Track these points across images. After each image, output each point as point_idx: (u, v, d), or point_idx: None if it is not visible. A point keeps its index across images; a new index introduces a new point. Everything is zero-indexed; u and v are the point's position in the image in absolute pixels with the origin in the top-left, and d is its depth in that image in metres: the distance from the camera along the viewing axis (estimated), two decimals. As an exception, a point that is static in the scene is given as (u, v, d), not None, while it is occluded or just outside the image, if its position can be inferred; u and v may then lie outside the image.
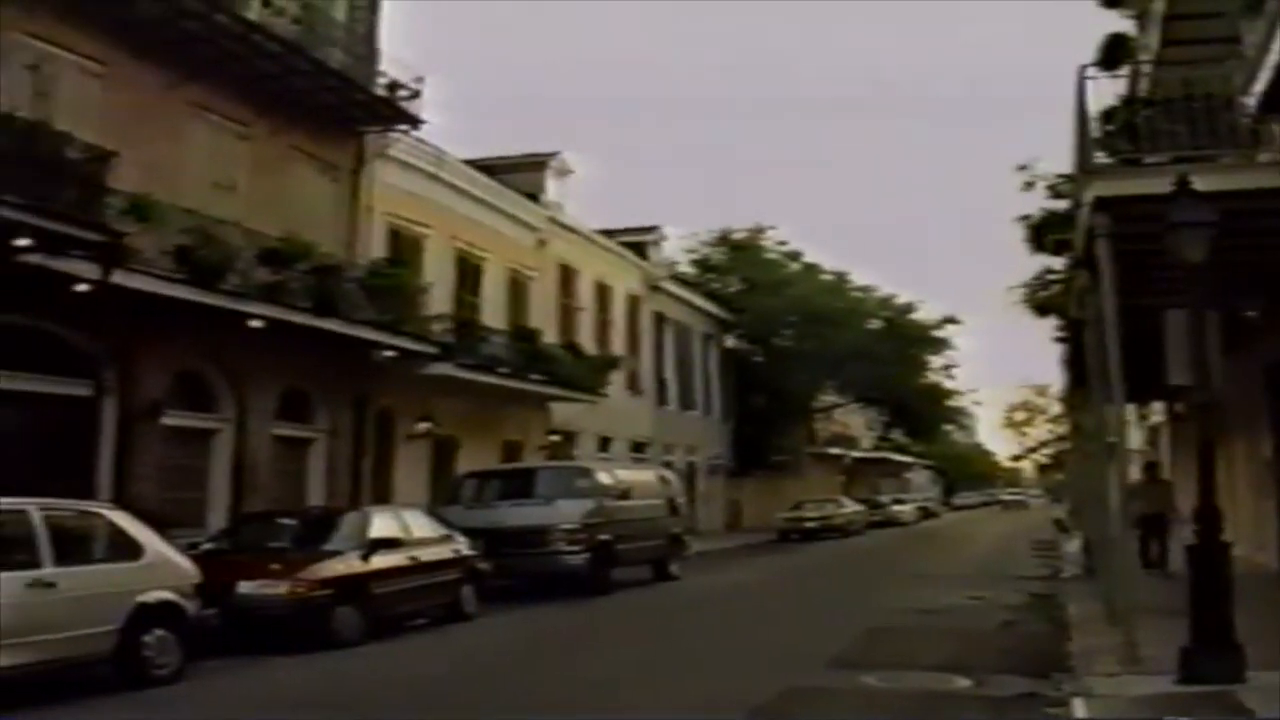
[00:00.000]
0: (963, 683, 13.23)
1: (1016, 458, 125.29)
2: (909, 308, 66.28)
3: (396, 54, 27.35)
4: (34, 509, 12.85)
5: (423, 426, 29.85)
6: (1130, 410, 35.00)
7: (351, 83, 25.93)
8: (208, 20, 21.74)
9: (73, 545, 13.17)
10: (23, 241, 16.60)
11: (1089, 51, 16.65)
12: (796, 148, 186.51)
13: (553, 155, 40.81)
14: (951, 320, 66.92)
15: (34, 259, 17.08)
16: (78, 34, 19.96)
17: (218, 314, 21.22)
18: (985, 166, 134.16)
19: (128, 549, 13.91)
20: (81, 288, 18.13)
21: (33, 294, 17.98)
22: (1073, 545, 32.88)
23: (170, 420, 21.81)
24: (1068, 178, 24.29)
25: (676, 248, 57.10)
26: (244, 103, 23.89)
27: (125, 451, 20.55)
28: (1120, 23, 20.46)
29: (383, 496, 27.28)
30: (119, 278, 18.37)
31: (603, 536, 24.69)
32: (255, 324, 21.93)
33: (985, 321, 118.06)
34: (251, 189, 23.96)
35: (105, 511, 14.71)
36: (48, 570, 12.45)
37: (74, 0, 19.60)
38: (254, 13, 23.29)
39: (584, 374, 37.16)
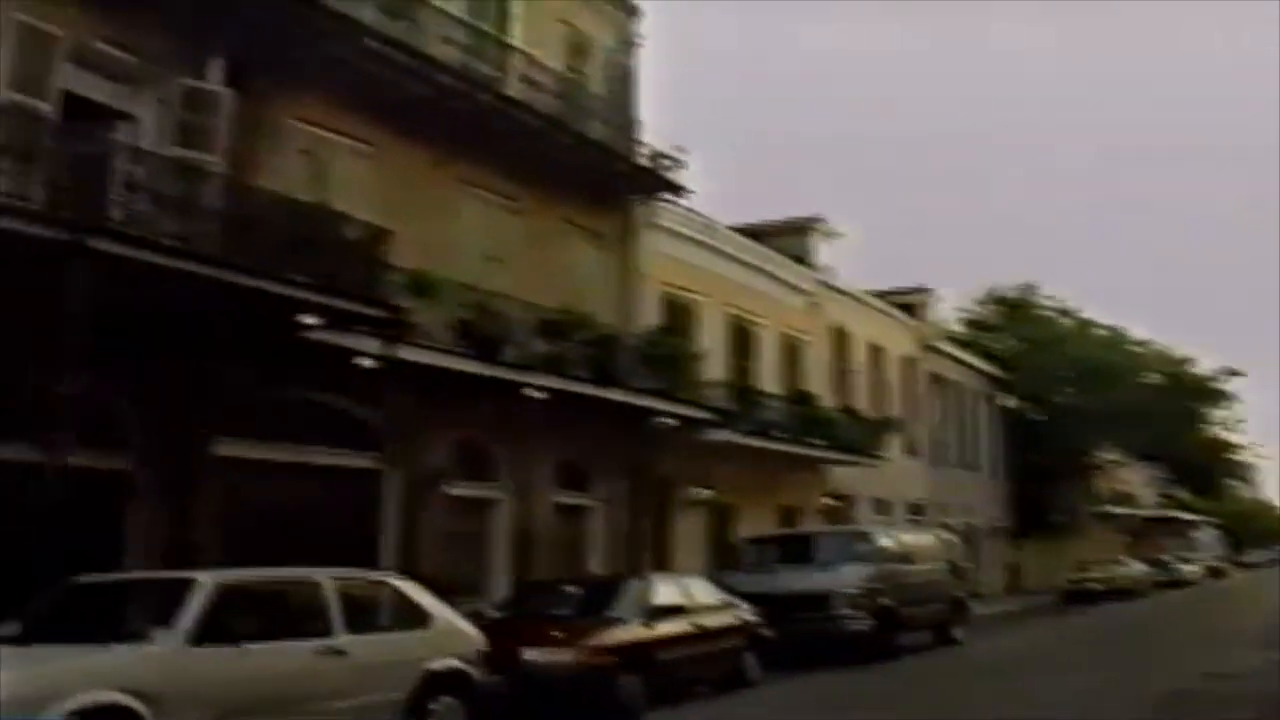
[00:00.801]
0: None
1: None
2: (1189, 361, 63.70)
3: (657, 123, 27.66)
4: (325, 578, 12.95)
5: (701, 493, 29.59)
6: None
7: (614, 154, 26.18)
8: (470, 99, 22.14)
9: (362, 613, 13.16)
10: (310, 319, 16.82)
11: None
12: (1069, 195, 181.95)
13: (818, 219, 40.43)
14: (1233, 372, 64.20)
15: (321, 335, 17.31)
16: (346, 118, 20.50)
17: (497, 385, 21.37)
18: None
19: (415, 617, 13.87)
20: (366, 363, 18.41)
21: (320, 369, 18.26)
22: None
23: (452, 490, 21.99)
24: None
25: (948, 307, 56.10)
26: (512, 177, 24.12)
27: (409, 521, 20.73)
28: None
29: (662, 563, 27.09)
30: (401, 352, 18.61)
31: (885, 601, 24.00)
32: (534, 394, 22.00)
33: (1274, 372, 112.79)
34: (525, 261, 24.13)
35: (393, 580, 14.72)
36: (339, 638, 12.46)
37: (341, 86, 20.07)
38: (514, 89, 23.65)
39: (860, 437, 36.54)
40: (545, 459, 24.53)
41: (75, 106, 16.10)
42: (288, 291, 16.08)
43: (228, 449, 17.85)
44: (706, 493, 29.73)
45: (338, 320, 17.28)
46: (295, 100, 19.48)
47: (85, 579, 12.47)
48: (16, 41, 15.37)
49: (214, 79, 17.98)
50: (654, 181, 27.39)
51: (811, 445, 33.41)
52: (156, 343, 16.30)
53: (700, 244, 31.09)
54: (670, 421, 26.42)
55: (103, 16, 16.70)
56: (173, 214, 15.47)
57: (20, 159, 13.85)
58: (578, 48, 27.24)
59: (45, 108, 15.23)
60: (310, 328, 17.00)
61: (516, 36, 25.19)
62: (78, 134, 15.15)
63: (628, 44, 29.13)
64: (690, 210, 29.90)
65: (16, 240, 13.08)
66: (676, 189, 27.83)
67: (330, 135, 20.31)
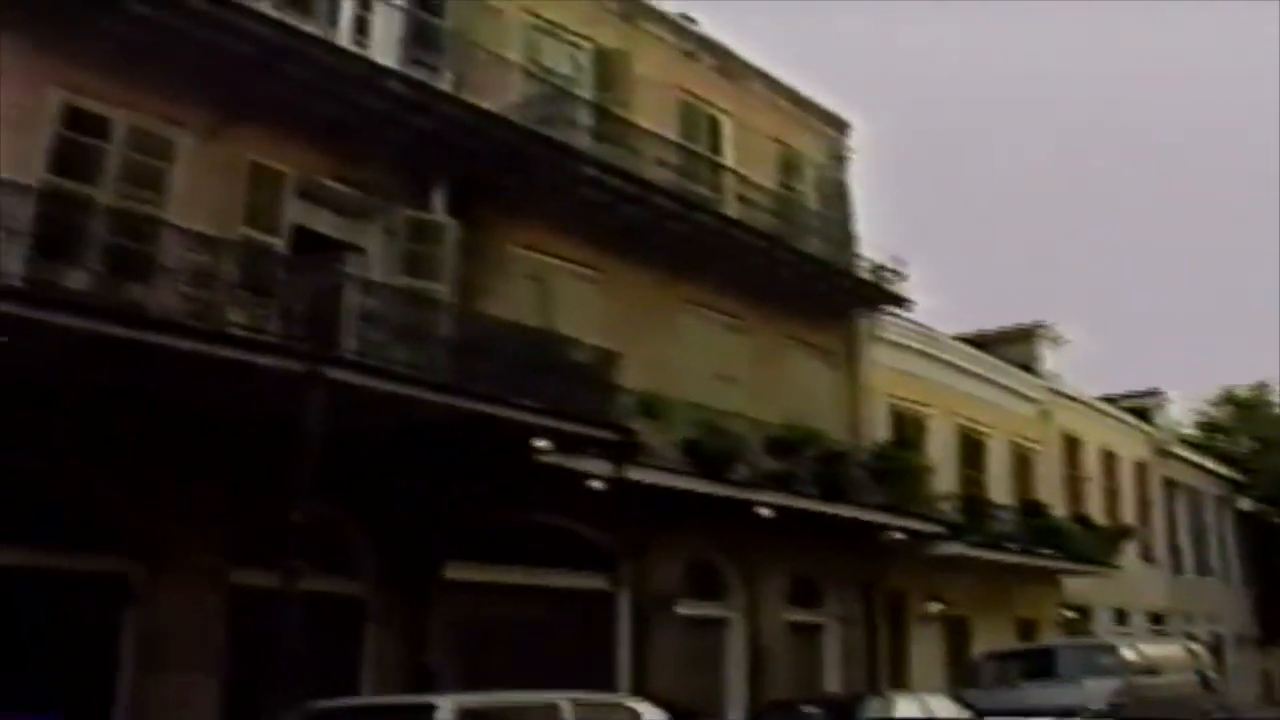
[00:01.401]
0: None
1: None
2: None
3: (874, 235, 27.30)
4: (564, 700, 12.61)
5: (934, 607, 28.57)
6: None
7: (834, 269, 25.77)
8: (688, 220, 22.06)
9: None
10: (542, 443, 16.73)
11: None
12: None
13: (1043, 324, 39.26)
14: None
15: (552, 459, 17.15)
16: (569, 242, 20.57)
17: (727, 504, 20.94)
18: None
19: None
20: (596, 484, 18.19)
21: (551, 492, 18.11)
22: None
23: (684, 610, 21.53)
24: None
25: (1179, 409, 53.85)
26: (735, 295, 23.88)
27: (642, 642, 20.38)
28: None
29: (898, 679, 26.18)
30: (631, 473, 18.35)
31: (1133, 716, 22.61)
32: (765, 513, 21.48)
33: None
34: (751, 378, 23.74)
35: (630, 702, 14.40)
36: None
37: (561, 211, 20.16)
38: (731, 209, 23.52)
39: (1095, 546, 34.89)
40: (776, 576, 23.91)
41: (305, 240, 16.47)
42: (519, 417, 16.05)
43: (460, 572, 17.80)
44: (940, 607, 28.69)
45: (568, 443, 17.14)
46: (517, 227, 19.63)
47: (325, 704, 12.35)
48: (247, 180, 15.90)
49: (437, 209, 18.30)
50: (876, 295, 26.86)
51: (1045, 556, 32.02)
52: (389, 469, 16.36)
53: (925, 355, 30.34)
54: (900, 536, 25.55)
55: (327, 153, 17.12)
56: (404, 342, 15.61)
57: (256, 292, 14.06)
58: (790, 164, 26.96)
59: (277, 242, 15.63)
60: (541, 451, 16.88)
61: (729, 156, 25.16)
62: (309, 267, 15.41)
63: (839, 158, 28.81)
64: (913, 322, 29.23)
65: (255, 372, 13.28)
66: (898, 301, 27.22)
67: (554, 260, 20.37)
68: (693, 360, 22.46)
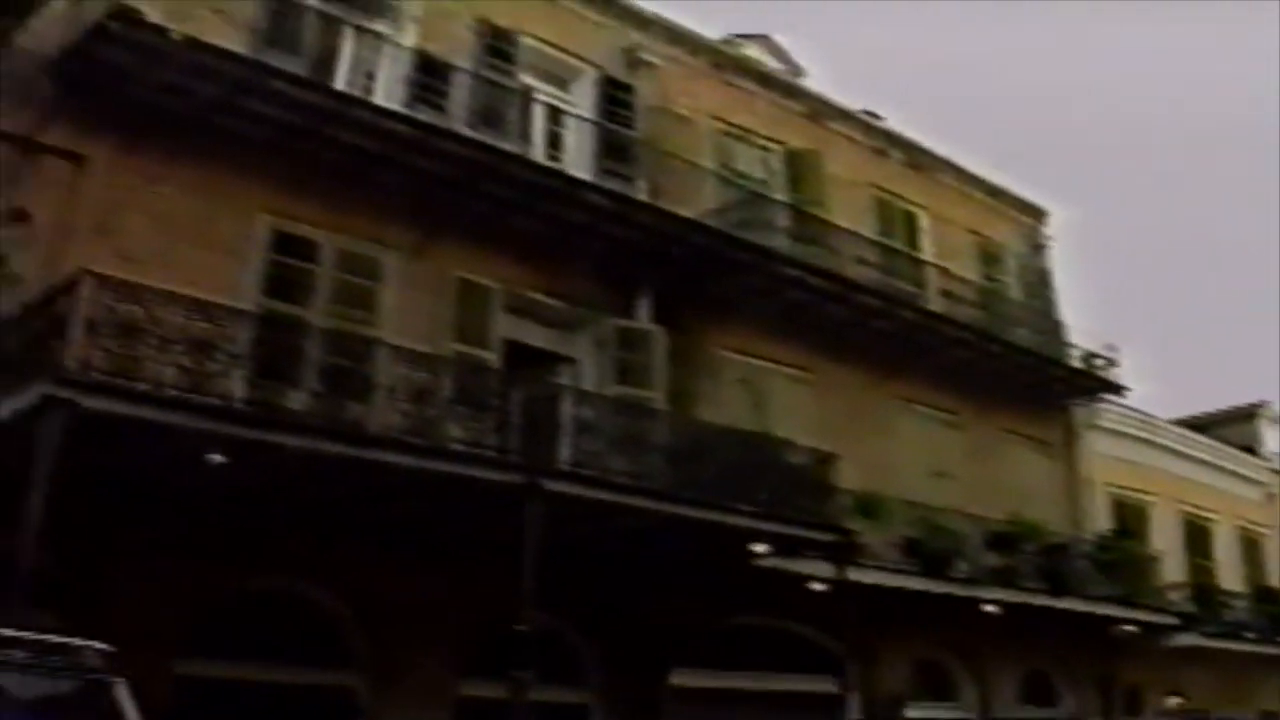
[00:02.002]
0: None
1: None
2: None
3: (1082, 321, 26.51)
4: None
5: (1173, 701, 27.03)
6: None
7: (1045, 359, 24.93)
8: (893, 317, 21.75)
9: None
10: (761, 547, 16.43)
11: None
12: None
13: (1264, 404, 37.43)
14: None
15: (772, 562, 16.87)
16: (776, 344, 20.42)
17: (950, 602, 20.22)
18: None
19: None
20: (817, 587, 17.64)
21: (773, 596, 17.82)
22: None
23: (913, 712, 20.67)
24: None
25: None
26: (946, 390, 23.20)
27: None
28: None
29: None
30: (853, 574, 17.64)
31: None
32: (991, 609, 20.63)
33: None
34: (967, 473, 22.87)
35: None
36: None
37: (765, 313, 20.08)
38: (935, 304, 23.08)
39: (1338, 631, 32.89)
40: (1005, 674, 22.84)
41: (516, 353, 16.60)
42: (737, 521, 15.72)
43: (686, 679, 17.51)
44: (1179, 700, 27.13)
45: (787, 546, 16.76)
46: (724, 331, 19.55)
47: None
48: (456, 296, 16.17)
49: (643, 317, 18.30)
50: (1089, 383, 25.87)
51: (1283, 644, 30.21)
52: (610, 576, 16.22)
53: (1144, 441, 29.06)
54: (1132, 628, 24.27)
55: (531, 267, 17.28)
56: (620, 451, 15.33)
57: (472, 407, 13.97)
58: (989, 255, 26.24)
59: (489, 356, 15.74)
60: (761, 555, 16.59)
61: (928, 251, 24.67)
62: (523, 380, 15.39)
63: (1038, 246, 28.00)
64: (1129, 407, 28.07)
65: (474, 485, 13.26)
66: (1113, 388, 26.19)
67: (763, 362, 20.17)
68: (907, 457, 21.83)
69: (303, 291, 15.04)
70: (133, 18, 13.48)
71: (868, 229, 22.95)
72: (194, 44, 13.74)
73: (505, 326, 16.64)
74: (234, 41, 14.68)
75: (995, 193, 27.21)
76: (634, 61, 20.47)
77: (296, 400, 13.29)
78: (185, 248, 14.02)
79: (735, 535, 15.93)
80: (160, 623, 12.75)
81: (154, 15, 13.70)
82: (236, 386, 12.38)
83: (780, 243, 20.40)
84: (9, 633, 7.38)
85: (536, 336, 17.40)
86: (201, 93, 14.23)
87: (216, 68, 14.09)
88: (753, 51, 24.18)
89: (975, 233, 26.20)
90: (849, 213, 22.55)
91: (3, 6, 13.00)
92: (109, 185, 13.86)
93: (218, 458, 11.76)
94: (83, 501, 11.37)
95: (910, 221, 24.61)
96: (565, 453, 14.95)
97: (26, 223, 13.30)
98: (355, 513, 13.98)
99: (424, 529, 14.47)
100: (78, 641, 7.57)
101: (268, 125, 14.89)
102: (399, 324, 15.27)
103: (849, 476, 18.54)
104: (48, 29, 13.75)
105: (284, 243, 15.04)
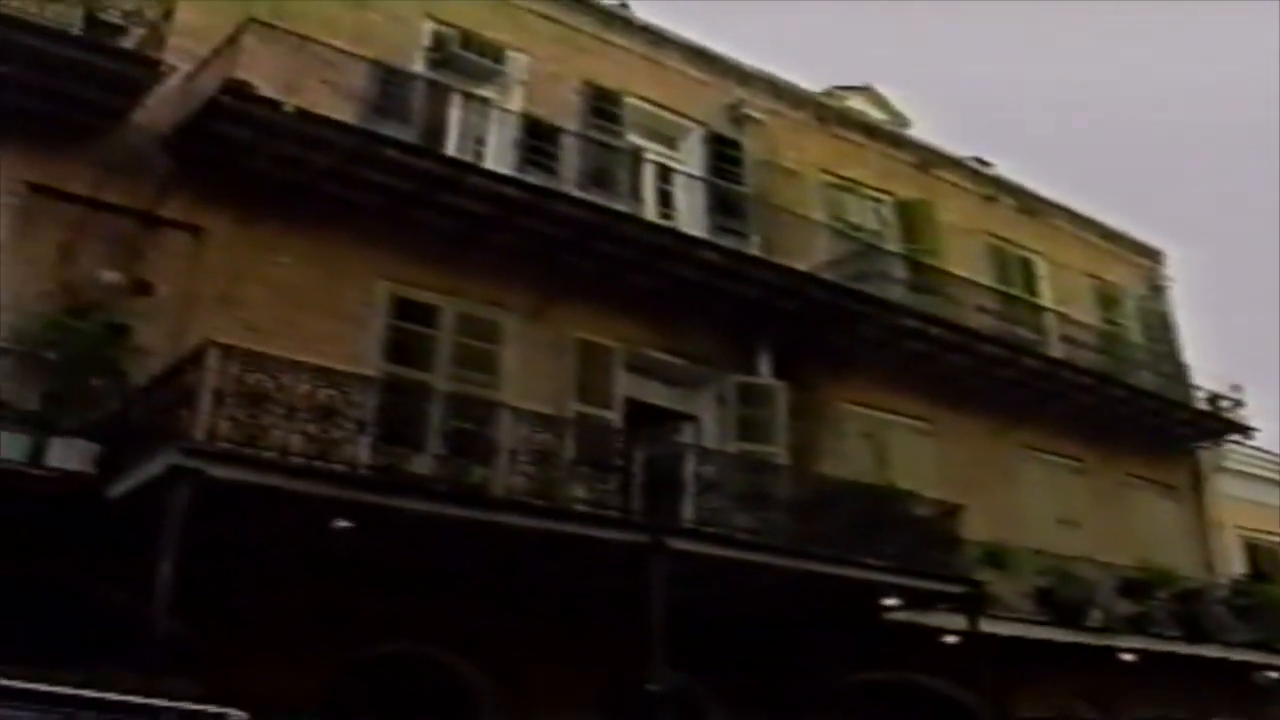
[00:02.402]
0: None
1: None
2: None
3: (1206, 363, 25.83)
4: None
5: (1316, 750, 26.00)
6: None
7: (1169, 402, 24.24)
8: (1015, 365, 21.36)
9: None
10: (890, 601, 16.12)
11: None
12: None
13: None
14: None
15: (902, 615, 16.55)
16: (897, 396, 20.11)
17: (1084, 651, 19.61)
18: None
19: None
20: (949, 639, 17.22)
21: (905, 649, 17.46)
22: None
23: (1049, 763, 20.06)
24: None
25: None
26: (1071, 437, 22.67)
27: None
28: None
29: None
30: (986, 626, 17.16)
31: None
32: (1128, 658, 20.05)
33: None
34: (1094, 520, 22.28)
35: None
36: None
37: (885, 365, 19.71)
38: (1056, 350, 22.63)
39: None
40: (1145, 723, 22.05)
41: (637, 411, 16.46)
42: (864, 575, 15.38)
43: None
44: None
45: (917, 599, 16.38)
46: (845, 384, 19.25)
47: None
48: (576, 356, 16.12)
49: (764, 372, 18.09)
50: (1216, 425, 25.14)
51: None
52: (736, 634, 15.89)
53: (1275, 484, 28.14)
54: (1273, 675, 23.39)
55: (649, 325, 17.20)
56: (743, 507, 15.07)
57: (595, 467, 13.82)
58: (1108, 299, 25.70)
59: (611, 416, 15.67)
60: (891, 609, 16.28)
61: (1046, 297, 24.19)
62: (646, 439, 15.19)
63: (1157, 288, 27.37)
64: (1258, 449, 27.18)
65: (600, 546, 13.11)
66: (1241, 429, 25.41)
67: (885, 414, 19.87)
68: (1033, 506, 21.35)
69: (424, 356, 15.07)
70: (245, 92, 13.54)
71: (984, 276, 22.56)
72: (306, 116, 13.76)
73: (626, 385, 16.54)
74: (345, 112, 14.69)
75: (1110, 236, 26.67)
76: (739, 118, 20.35)
77: (421, 464, 13.20)
78: (307, 316, 14.10)
79: (863, 589, 15.60)
80: (291, 687, 12.64)
81: (266, 89, 13.75)
82: (361, 452, 12.32)
83: (897, 293, 20.03)
84: (160, 702, 7.39)
85: (658, 395, 17.25)
86: (315, 163, 14.30)
87: (329, 139, 14.14)
88: (856, 103, 23.95)
89: (1093, 276, 25.69)
90: (964, 261, 22.19)
91: (119, 85, 13.09)
92: (229, 256, 13.93)
93: (343, 523, 11.71)
94: (212, 568, 11.33)
95: (1026, 267, 24.16)
96: (689, 511, 14.72)
97: (150, 294, 13.35)
98: (481, 575, 13.86)
99: (550, 590, 14.35)
100: (218, 709, 7.51)
101: (382, 193, 14.95)
102: (520, 386, 15.26)
103: (975, 527, 18.04)
104: (163, 105, 13.80)
105: (404, 308, 15.11)
